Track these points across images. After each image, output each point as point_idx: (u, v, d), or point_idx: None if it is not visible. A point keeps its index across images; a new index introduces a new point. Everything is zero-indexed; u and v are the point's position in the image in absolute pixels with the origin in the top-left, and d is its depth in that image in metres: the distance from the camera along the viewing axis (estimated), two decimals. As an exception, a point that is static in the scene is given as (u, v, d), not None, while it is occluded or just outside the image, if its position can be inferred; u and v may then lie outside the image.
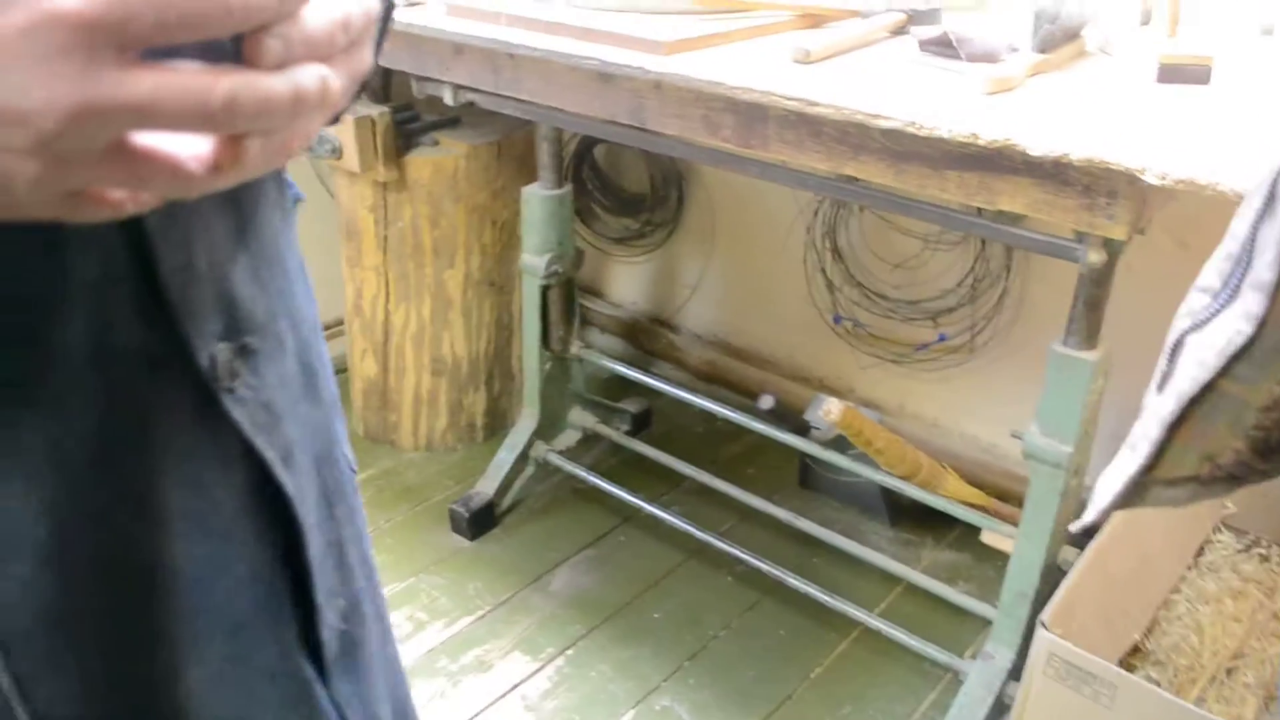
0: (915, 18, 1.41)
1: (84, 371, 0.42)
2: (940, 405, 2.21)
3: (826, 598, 1.75)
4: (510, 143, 2.12)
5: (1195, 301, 0.60)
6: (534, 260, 1.95)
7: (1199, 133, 1.03)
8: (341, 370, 2.35)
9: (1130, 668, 1.52)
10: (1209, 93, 1.16)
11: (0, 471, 0.41)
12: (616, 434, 2.20)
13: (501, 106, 1.61)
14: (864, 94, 1.13)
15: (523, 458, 2.10)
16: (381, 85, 2.05)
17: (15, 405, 0.41)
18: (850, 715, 1.69)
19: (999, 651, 1.54)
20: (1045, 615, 1.34)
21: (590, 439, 2.23)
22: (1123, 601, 1.56)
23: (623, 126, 1.41)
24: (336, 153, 1.99)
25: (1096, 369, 1.32)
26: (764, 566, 1.82)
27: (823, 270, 2.23)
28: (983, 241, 1.99)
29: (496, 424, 2.36)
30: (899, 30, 1.41)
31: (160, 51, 0.32)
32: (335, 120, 0.49)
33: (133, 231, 0.43)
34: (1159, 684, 1.48)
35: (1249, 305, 0.56)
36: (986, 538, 1.81)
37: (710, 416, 2.31)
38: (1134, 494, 0.63)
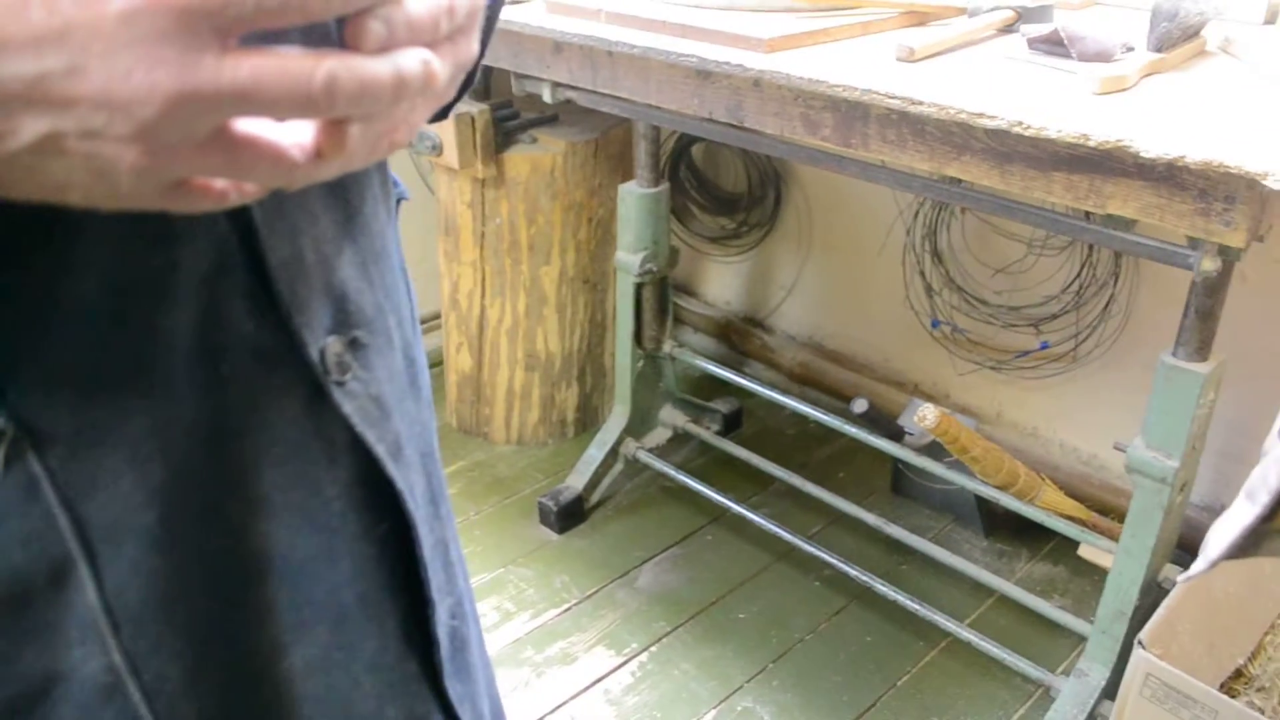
0: (1025, 15, 1.37)
1: (193, 361, 0.43)
2: (1039, 414, 2.15)
3: (916, 606, 1.72)
4: (608, 140, 2.13)
5: None
6: (629, 258, 1.95)
7: (1325, 136, 0.98)
8: (436, 364, 2.39)
9: (1232, 693, 1.46)
10: (1337, 95, 1.11)
11: (111, 454, 0.41)
12: (706, 433, 2.19)
13: (600, 104, 1.62)
14: (968, 93, 1.10)
15: (612, 454, 2.11)
16: (482, 83, 2.08)
17: (125, 392, 0.41)
18: (937, 727, 1.66)
19: (1093, 669, 1.50)
20: (1144, 635, 1.30)
21: (680, 438, 2.22)
22: (1227, 624, 1.50)
23: (720, 124, 1.40)
24: (437, 149, 2.02)
25: (1208, 382, 1.27)
26: (852, 572, 1.80)
27: (921, 273, 2.19)
28: (1090, 247, 1.93)
29: (587, 420, 2.37)
30: (1007, 28, 1.38)
31: (259, 36, 0.31)
32: (444, 115, 0.49)
33: (241, 223, 0.43)
34: (1263, 711, 1.42)
35: None
36: (1084, 552, 1.76)
37: (801, 418, 2.29)
38: (1249, 544, 0.60)
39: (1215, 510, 1.86)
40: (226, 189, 0.35)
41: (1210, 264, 1.14)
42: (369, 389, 0.50)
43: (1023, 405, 2.17)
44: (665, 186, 1.96)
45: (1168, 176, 1.02)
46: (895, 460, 2.05)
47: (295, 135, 0.34)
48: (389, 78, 0.34)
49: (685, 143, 2.49)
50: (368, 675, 0.53)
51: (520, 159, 2.05)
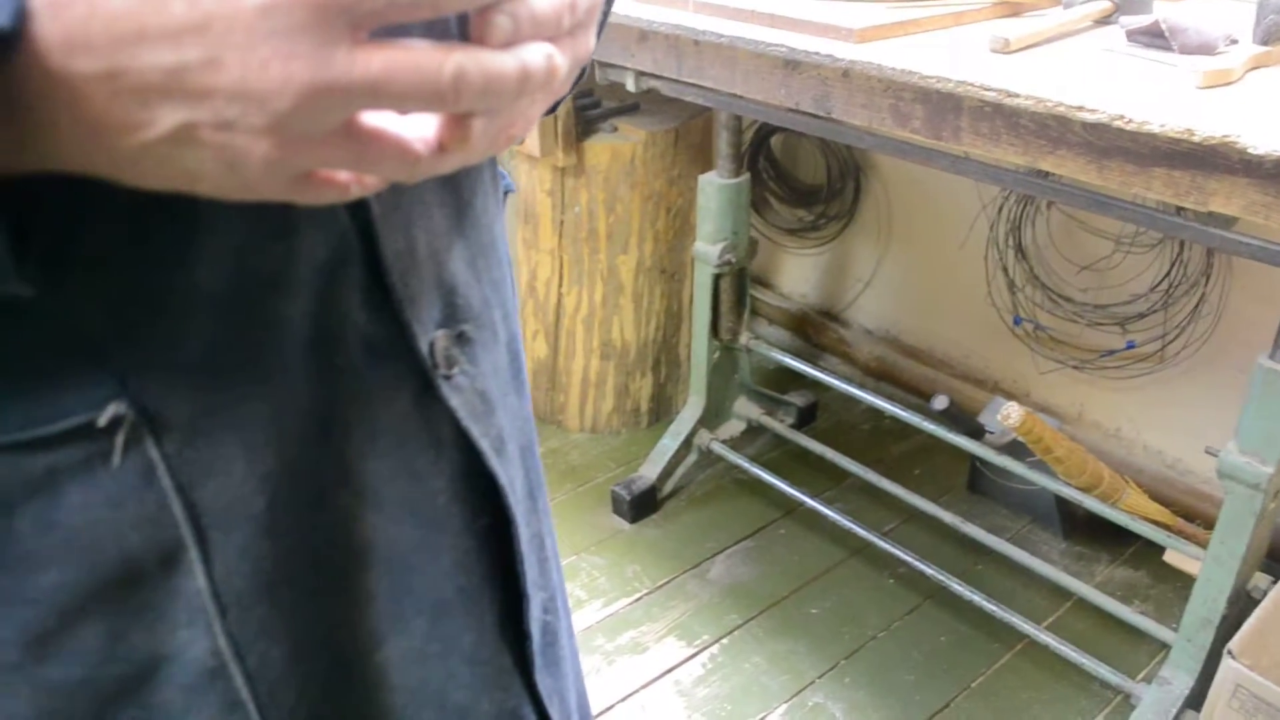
0: (1123, 6, 1.33)
1: (307, 352, 0.43)
2: (1123, 415, 2.10)
3: (993, 607, 1.69)
4: (688, 130, 2.12)
5: None
6: (707, 248, 1.94)
7: None
8: (513, 349, 2.40)
9: (1326, 707, 1.42)
10: None
11: (224, 441, 0.42)
12: (781, 426, 2.18)
13: (683, 93, 1.61)
14: (1066, 85, 1.08)
15: (686, 445, 2.11)
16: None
17: (242, 380, 0.42)
18: (1012, 730, 1.64)
19: (1176, 677, 1.46)
20: (1234, 644, 1.26)
21: (754, 430, 2.21)
22: (1321, 636, 1.45)
23: (806, 115, 1.39)
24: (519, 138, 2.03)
25: (1307, 386, 1.24)
26: (928, 570, 1.78)
27: (1004, 269, 2.15)
28: (1181, 244, 1.88)
29: (661, 410, 2.37)
30: (1104, 19, 1.34)
31: (384, 30, 0.32)
32: (553, 109, 0.49)
33: (360, 215, 0.43)
34: (1358, 727, 1.37)
35: None
36: (1170, 558, 1.72)
37: (877, 414, 2.27)
38: None
39: (1307, 519, 1.80)
40: (349, 181, 0.35)
41: (1315, 265, 1.10)
42: (475, 383, 0.50)
43: (1106, 406, 2.12)
44: (746, 177, 1.95)
45: (1276, 174, 0.98)
46: (973, 458, 2.02)
47: (419, 129, 0.34)
48: (514, 72, 0.34)
49: (764, 133, 2.47)
50: (464, 668, 0.53)
51: (600, 147, 2.05)
